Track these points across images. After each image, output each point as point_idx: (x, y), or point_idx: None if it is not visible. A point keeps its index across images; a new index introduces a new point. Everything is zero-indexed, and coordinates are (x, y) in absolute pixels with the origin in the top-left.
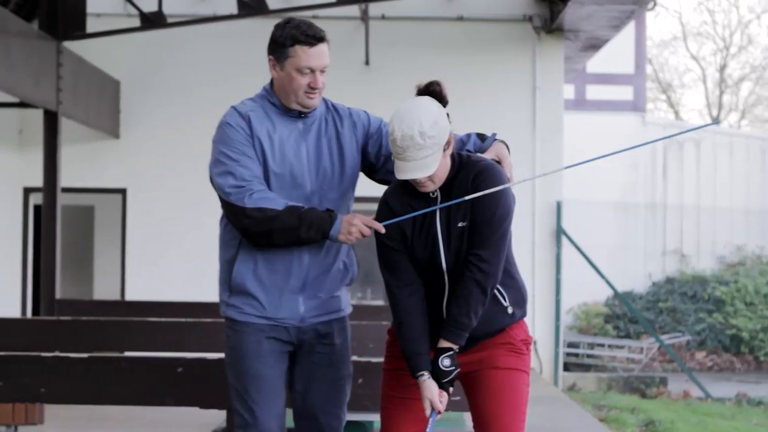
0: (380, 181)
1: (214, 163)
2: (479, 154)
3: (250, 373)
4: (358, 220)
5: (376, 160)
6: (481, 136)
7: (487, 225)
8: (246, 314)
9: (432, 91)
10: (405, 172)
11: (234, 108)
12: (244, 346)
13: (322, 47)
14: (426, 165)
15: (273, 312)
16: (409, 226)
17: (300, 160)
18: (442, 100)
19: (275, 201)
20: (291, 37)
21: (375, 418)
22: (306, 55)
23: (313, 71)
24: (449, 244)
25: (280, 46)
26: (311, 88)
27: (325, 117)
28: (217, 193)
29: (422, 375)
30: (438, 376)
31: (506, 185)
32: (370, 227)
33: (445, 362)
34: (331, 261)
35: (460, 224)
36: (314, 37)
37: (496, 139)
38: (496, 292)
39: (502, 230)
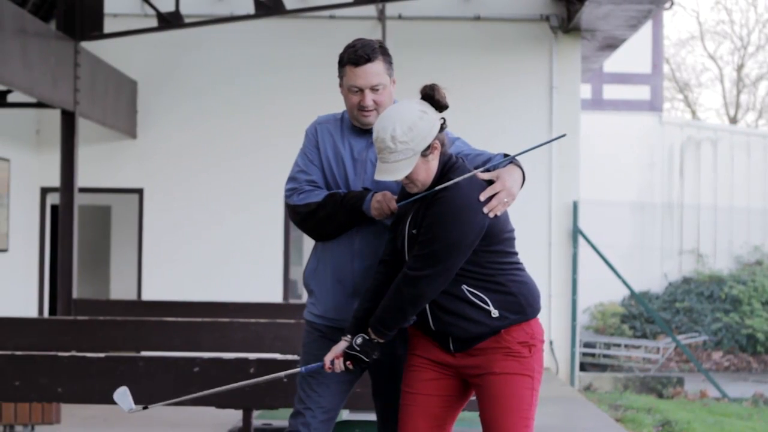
0: None
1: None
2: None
3: (308, 372)
4: (381, 196)
5: None
6: (506, 156)
7: (423, 243)
8: (310, 313)
9: (424, 94)
10: (380, 172)
11: (317, 118)
12: (306, 343)
13: (369, 67)
14: (397, 168)
15: (329, 312)
16: (399, 222)
17: (358, 172)
18: (437, 104)
19: (319, 195)
20: (344, 57)
21: None
22: (353, 75)
23: (361, 90)
24: (410, 244)
25: (339, 66)
26: (362, 107)
27: None
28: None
29: (345, 336)
30: (347, 347)
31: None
32: (388, 202)
33: (357, 340)
34: (369, 269)
35: (412, 230)
36: (362, 57)
37: (512, 161)
38: (470, 295)
39: (442, 247)
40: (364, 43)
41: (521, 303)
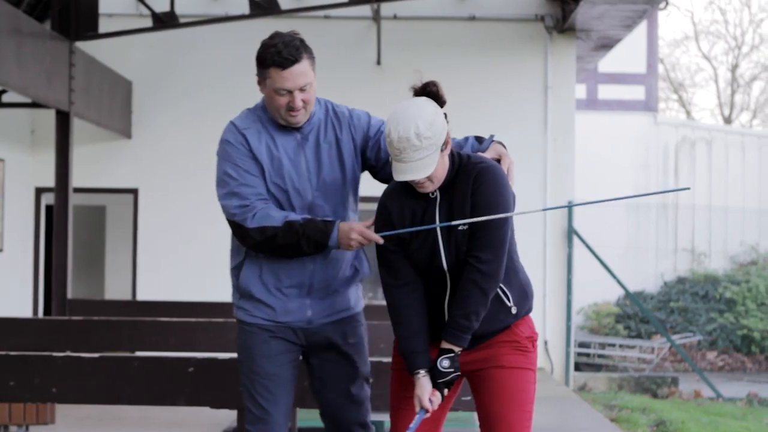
0: (383, 181)
1: (219, 183)
2: (480, 154)
3: (259, 372)
4: (356, 232)
5: (376, 162)
6: (479, 139)
7: (486, 227)
8: (254, 316)
9: (429, 91)
10: (403, 173)
11: (232, 123)
12: (253, 346)
13: (297, 68)
14: (423, 166)
15: (280, 316)
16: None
17: (299, 171)
18: (440, 100)
19: (275, 218)
20: (267, 58)
21: (385, 417)
22: (280, 77)
23: (290, 92)
24: (449, 245)
25: (260, 66)
26: (291, 107)
27: (324, 123)
28: (223, 209)
29: (418, 373)
30: (435, 376)
31: (508, 215)
32: (368, 239)
33: (443, 363)
34: (338, 264)
35: (461, 227)
36: (288, 59)
37: (493, 141)
38: (499, 291)
39: (503, 231)
40: (286, 42)
41: (528, 295)
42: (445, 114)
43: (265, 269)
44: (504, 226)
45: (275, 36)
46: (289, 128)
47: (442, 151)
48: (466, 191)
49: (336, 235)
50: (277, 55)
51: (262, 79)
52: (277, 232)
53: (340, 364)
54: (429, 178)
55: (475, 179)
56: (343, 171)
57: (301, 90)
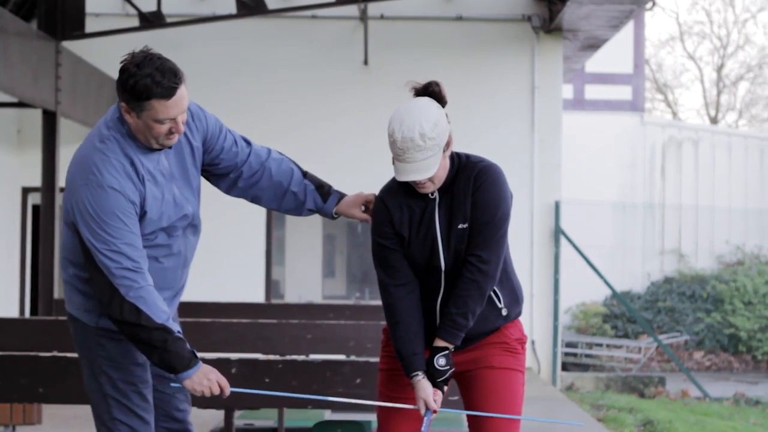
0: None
1: (97, 236)
2: (478, 155)
3: (135, 381)
4: (215, 376)
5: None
6: (320, 189)
7: (488, 226)
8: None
9: (431, 91)
10: (405, 173)
11: (104, 157)
12: (124, 355)
13: (180, 92)
14: (426, 167)
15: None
16: (406, 228)
17: (172, 198)
18: (441, 100)
19: (156, 313)
20: (146, 89)
21: (372, 417)
22: (164, 108)
23: (173, 120)
24: (449, 245)
25: (134, 99)
26: (172, 133)
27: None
28: (97, 261)
29: (417, 375)
30: (433, 375)
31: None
32: (221, 388)
33: (440, 361)
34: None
35: (460, 225)
36: (172, 87)
37: (338, 193)
38: (491, 293)
39: (502, 231)
40: (160, 68)
41: (519, 299)
42: (447, 114)
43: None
44: (504, 226)
45: (141, 63)
46: (149, 148)
47: (444, 151)
48: (466, 190)
49: (193, 372)
50: (158, 85)
51: (134, 111)
52: (146, 327)
53: None
54: (430, 179)
55: (475, 178)
56: (197, 174)
57: (183, 112)
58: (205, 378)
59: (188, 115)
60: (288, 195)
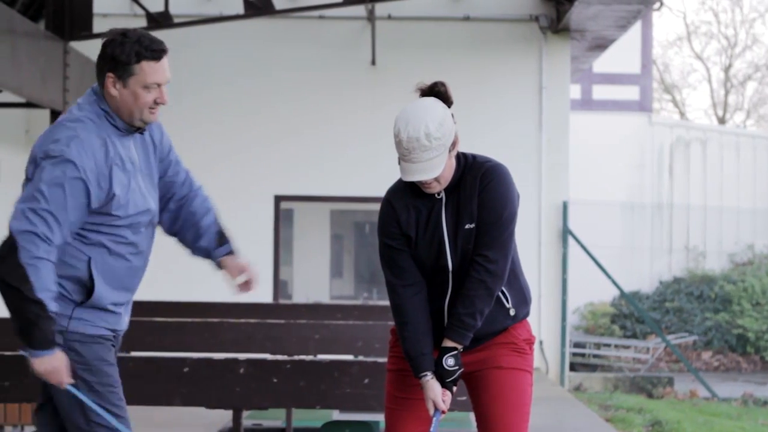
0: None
1: (29, 197)
2: (484, 155)
3: (113, 383)
4: (64, 367)
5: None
6: (219, 236)
7: (494, 226)
8: (97, 326)
9: (437, 92)
10: (411, 173)
11: (73, 134)
12: (101, 358)
13: (165, 60)
14: (432, 167)
15: (118, 323)
16: (413, 228)
17: (138, 189)
18: (447, 100)
19: (43, 286)
20: (135, 53)
21: (380, 418)
22: (153, 71)
23: (159, 86)
24: (456, 245)
25: (122, 64)
26: (156, 104)
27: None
28: (13, 218)
29: (425, 375)
30: (442, 375)
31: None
32: (58, 382)
33: (449, 362)
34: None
35: (467, 226)
36: (160, 51)
37: (232, 251)
38: (499, 293)
39: (509, 231)
40: (145, 35)
41: (526, 300)
42: (453, 114)
43: (109, 276)
44: (511, 225)
45: (126, 32)
46: (128, 135)
47: (450, 151)
48: (472, 190)
49: (47, 354)
50: (146, 49)
51: (121, 78)
52: (26, 296)
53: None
54: (436, 179)
55: (482, 178)
56: (157, 173)
57: (165, 85)
58: (49, 366)
59: (153, 126)
60: (194, 227)
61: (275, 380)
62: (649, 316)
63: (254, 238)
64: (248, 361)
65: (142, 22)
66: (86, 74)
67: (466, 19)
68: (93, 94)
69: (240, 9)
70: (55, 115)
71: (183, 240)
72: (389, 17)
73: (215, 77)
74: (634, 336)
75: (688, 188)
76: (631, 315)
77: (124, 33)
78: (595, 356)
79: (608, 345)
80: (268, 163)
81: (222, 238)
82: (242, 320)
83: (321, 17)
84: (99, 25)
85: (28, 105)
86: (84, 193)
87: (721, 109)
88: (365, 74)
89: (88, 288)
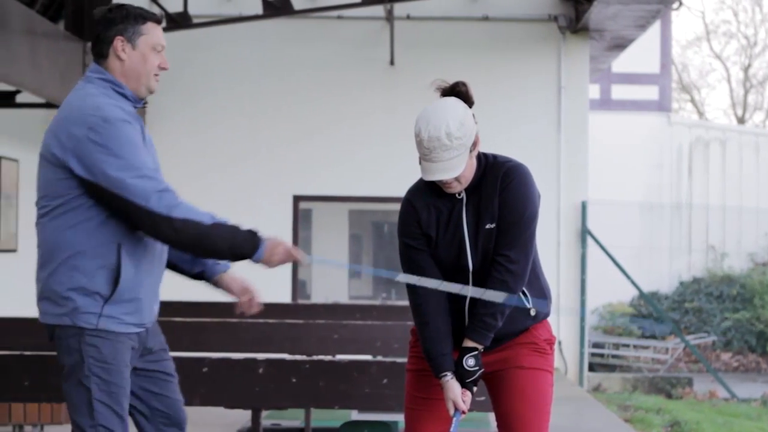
0: None
1: (124, 167)
2: (505, 155)
3: (124, 385)
4: (283, 248)
5: None
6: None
7: (515, 225)
8: (126, 324)
9: (458, 91)
10: (432, 173)
11: (105, 98)
12: (119, 359)
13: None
14: (453, 166)
15: (146, 318)
16: (433, 228)
17: (152, 153)
18: (468, 100)
19: (202, 214)
20: (140, 14)
21: (399, 418)
22: (157, 32)
23: (162, 49)
24: (476, 245)
25: (131, 23)
26: (161, 69)
27: None
28: (126, 199)
29: (445, 375)
30: (462, 376)
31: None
32: (293, 257)
33: (469, 362)
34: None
35: (488, 225)
36: (159, 17)
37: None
38: (520, 293)
39: (531, 231)
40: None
41: (547, 298)
42: (473, 114)
43: (137, 269)
44: (532, 225)
45: (118, 4)
46: (134, 107)
47: (470, 151)
48: (493, 190)
49: (263, 249)
50: (146, 11)
51: (130, 40)
52: (205, 232)
53: (166, 367)
54: (457, 179)
55: (503, 178)
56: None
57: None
58: (271, 253)
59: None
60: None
61: (294, 380)
62: (668, 316)
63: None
64: (267, 361)
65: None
66: None
67: (485, 19)
68: (93, 72)
69: (259, 9)
70: None
71: (182, 261)
72: (408, 17)
73: (234, 77)
74: (653, 336)
75: (708, 188)
76: (650, 315)
77: (118, 4)
78: (613, 356)
79: (627, 345)
80: (286, 163)
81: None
82: (261, 320)
83: (340, 17)
84: None
85: (48, 105)
86: (143, 144)
87: (741, 108)
88: (384, 74)
89: (115, 277)
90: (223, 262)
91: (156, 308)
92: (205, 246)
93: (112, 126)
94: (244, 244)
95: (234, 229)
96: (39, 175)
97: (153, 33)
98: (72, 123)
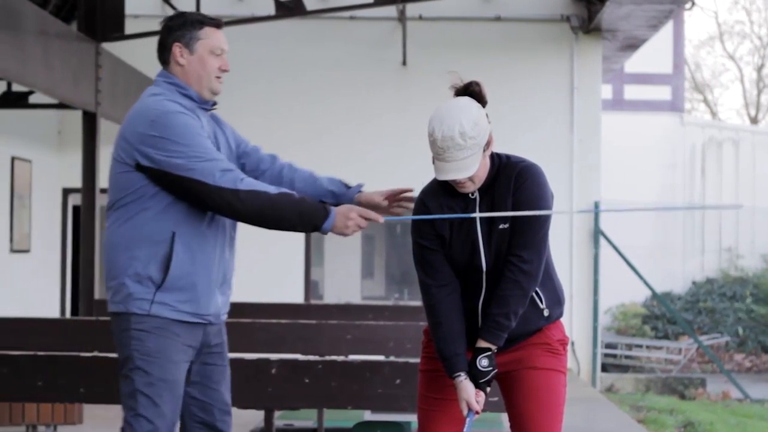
0: None
1: (186, 152)
2: (518, 155)
3: (168, 378)
4: (355, 213)
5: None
6: (346, 184)
7: (529, 226)
8: (178, 311)
9: (472, 91)
10: (445, 172)
11: (165, 98)
12: (165, 354)
13: (223, 33)
14: (466, 166)
15: (204, 308)
16: (447, 228)
17: (226, 142)
18: (482, 100)
19: (267, 186)
20: (198, 20)
21: (412, 418)
22: (217, 36)
23: (222, 53)
24: (490, 246)
25: (188, 30)
26: (222, 71)
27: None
28: (193, 179)
29: (459, 376)
30: (475, 376)
31: (547, 212)
32: (367, 219)
33: (483, 362)
34: (234, 260)
35: (501, 226)
36: (220, 21)
37: (361, 190)
38: (533, 293)
39: (544, 231)
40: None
41: (560, 300)
42: (487, 114)
43: (196, 255)
44: (545, 226)
45: (180, 12)
46: (203, 109)
47: (484, 151)
48: (507, 190)
49: (333, 218)
50: (206, 17)
51: (188, 46)
52: (272, 199)
53: (221, 363)
54: (470, 179)
55: (516, 178)
56: (230, 159)
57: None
58: (344, 219)
59: (215, 116)
60: (314, 179)
61: (307, 380)
62: (681, 316)
63: (285, 238)
64: (280, 361)
65: None
66: (118, 75)
67: (497, 19)
68: (160, 77)
69: (271, 10)
70: (87, 115)
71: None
72: (420, 18)
73: (247, 78)
74: (666, 337)
75: (721, 188)
76: (663, 316)
77: (179, 12)
78: (626, 357)
79: (640, 346)
80: (298, 163)
81: (345, 182)
82: (274, 321)
83: (352, 18)
84: (131, 27)
85: (61, 106)
86: (204, 132)
87: (754, 108)
88: (396, 74)
89: (167, 265)
90: (354, 185)
91: (219, 304)
92: (273, 214)
93: (170, 116)
94: (312, 213)
95: (301, 199)
96: (109, 176)
97: (212, 37)
98: (135, 122)
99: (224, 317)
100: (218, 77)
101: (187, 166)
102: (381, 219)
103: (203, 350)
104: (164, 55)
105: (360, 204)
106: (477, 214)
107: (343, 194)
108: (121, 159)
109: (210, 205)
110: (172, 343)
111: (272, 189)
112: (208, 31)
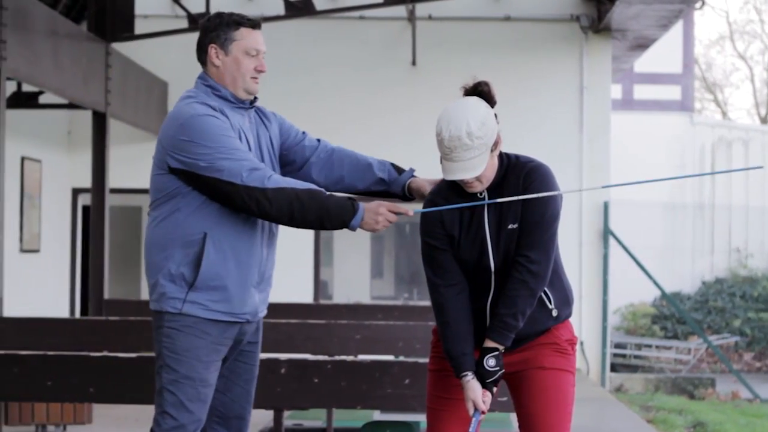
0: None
1: (214, 153)
2: (527, 155)
3: (195, 377)
4: (384, 208)
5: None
6: (396, 168)
7: (537, 226)
8: (211, 311)
9: (480, 91)
10: (452, 172)
11: (195, 101)
12: (193, 353)
13: (261, 33)
14: (473, 166)
15: (238, 307)
16: (456, 228)
17: (257, 152)
18: (491, 100)
19: (296, 182)
20: (234, 21)
21: (421, 418)
22: (252, 37)
23: (258, 53)
24: (498, 245)
25: (223, 31)
26: (258, 72)
27: (254, 111)
28: (221, 179)
29: (466, 375)
30: (483, 376)
31: (556, 192)
32: (396, 213)
33: (490, 362)
34: (275, 257)
35: (510, 226)
36: (257, 22)
37: (414, 175)
38: (541, 293)
39: (552, 231)
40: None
41: (569, 300)
42: (496, 114)
43: (229, 253)
44: (553, 226)
45: (217, 12)
46: (241, 108)
47: (492, 151)
48: (515, 190)
49: (361, 214)
50: (243, 17)
51: (223, 47)
52: (299, 197)
53: (251, 363)
54: (478, 179)
55: (525, 178)
56: (277, 157)
57: (264, 52)
58: (374, 215)
59: (262, 111)
60: (364, 165)
61: (316, 380)
62: (691, 316)
63: (295, 237)
64: (289, 361)
65: (183, 23)
66: (128, 75)
67: (507, 19)
68: (199, 78)
69: (281, 10)
70: (96, 115)
71: (352, 184)
72: (430, 17)
73: None
74: (675, 337)
75: (730, 188)
76: (672, 316)
77: (217, 13)
78: (636, 357)
79: (649, 346)
80: None
81: (397, 167)
82: (283, 320)
83: (361, 18)
84: (140, 27)
85: (71, 106)
86: (234, 133)
87: (764, 108)
88: (405, 74)
89: (198, 264)
90: (407, 169)
91: (257, 301)
92: (301, 211)
93: (196, 119)
94: (341, 209)
95: (329, 196)
96: (150, 181)
97: (247, 38)
98: (168, 126)
99: (262, 314)
100: (254, 78)
101: (215, 167)
102: (410, 212)
103: (237, 347)
104: (201, 56)
105: (411, 191)
106: (485, 201)
107: (394, 181)
108: (157, 162)
109: (239, 204)
110: (202, 342)
111: (300, 186)
112: (243, 32)
